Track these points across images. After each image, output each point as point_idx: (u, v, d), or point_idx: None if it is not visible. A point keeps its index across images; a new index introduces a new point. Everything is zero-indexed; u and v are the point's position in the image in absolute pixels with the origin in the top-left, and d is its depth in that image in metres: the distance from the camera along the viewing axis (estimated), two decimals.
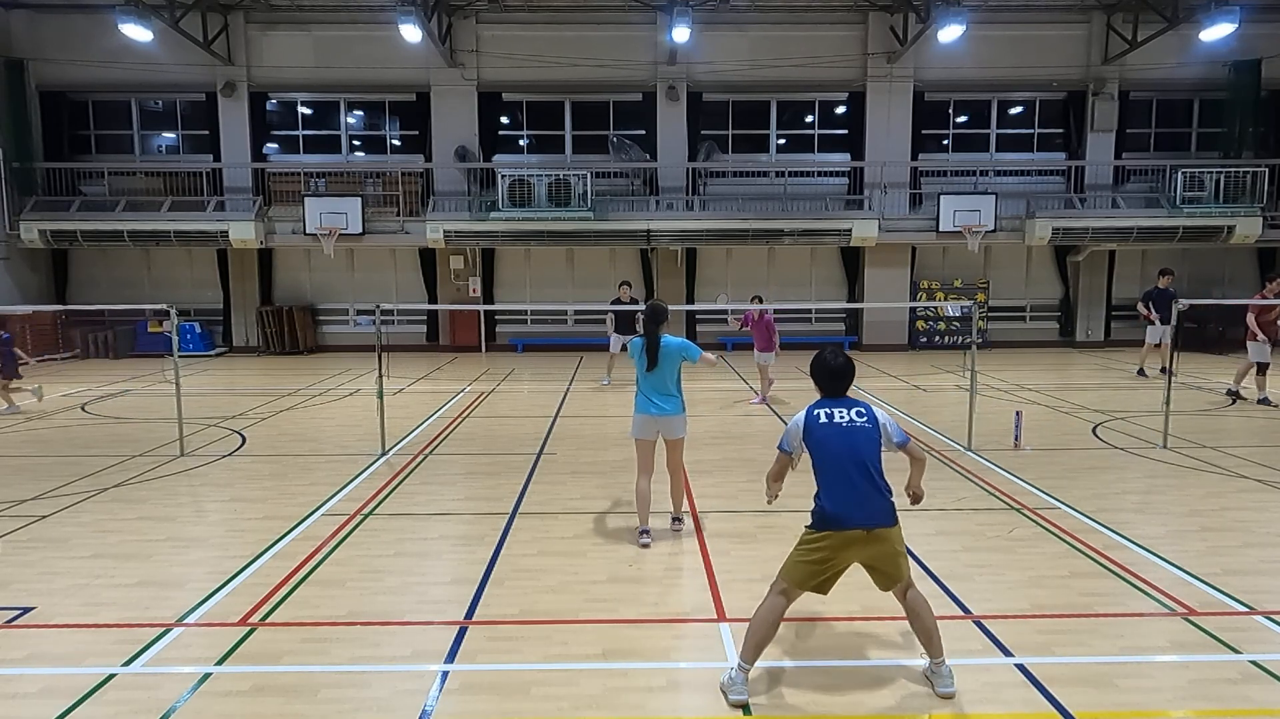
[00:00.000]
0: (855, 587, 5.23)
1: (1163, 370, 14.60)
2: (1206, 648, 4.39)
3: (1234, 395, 12.18)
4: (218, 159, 19.68)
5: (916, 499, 4.31)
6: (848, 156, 20.21)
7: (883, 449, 4.00)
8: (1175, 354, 10.22)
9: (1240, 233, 18.30)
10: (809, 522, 3.95)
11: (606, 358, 14.58)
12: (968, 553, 5.85)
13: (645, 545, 5.99)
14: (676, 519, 6.37)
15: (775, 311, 12.21)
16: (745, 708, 3.78)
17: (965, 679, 4.05)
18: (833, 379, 4.12)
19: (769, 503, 4.55)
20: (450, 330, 20.62)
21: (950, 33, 16.67)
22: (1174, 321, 9.60)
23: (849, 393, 4.15)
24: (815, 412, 4.02)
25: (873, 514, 3.85)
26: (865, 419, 3.98)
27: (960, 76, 19.38)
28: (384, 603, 5.06)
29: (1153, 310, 14.43)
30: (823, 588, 3.97)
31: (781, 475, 4.40)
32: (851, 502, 3.83)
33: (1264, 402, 11.78)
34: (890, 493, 3.92)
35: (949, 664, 3.93)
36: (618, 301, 14.10)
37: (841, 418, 3.97)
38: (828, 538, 3.85)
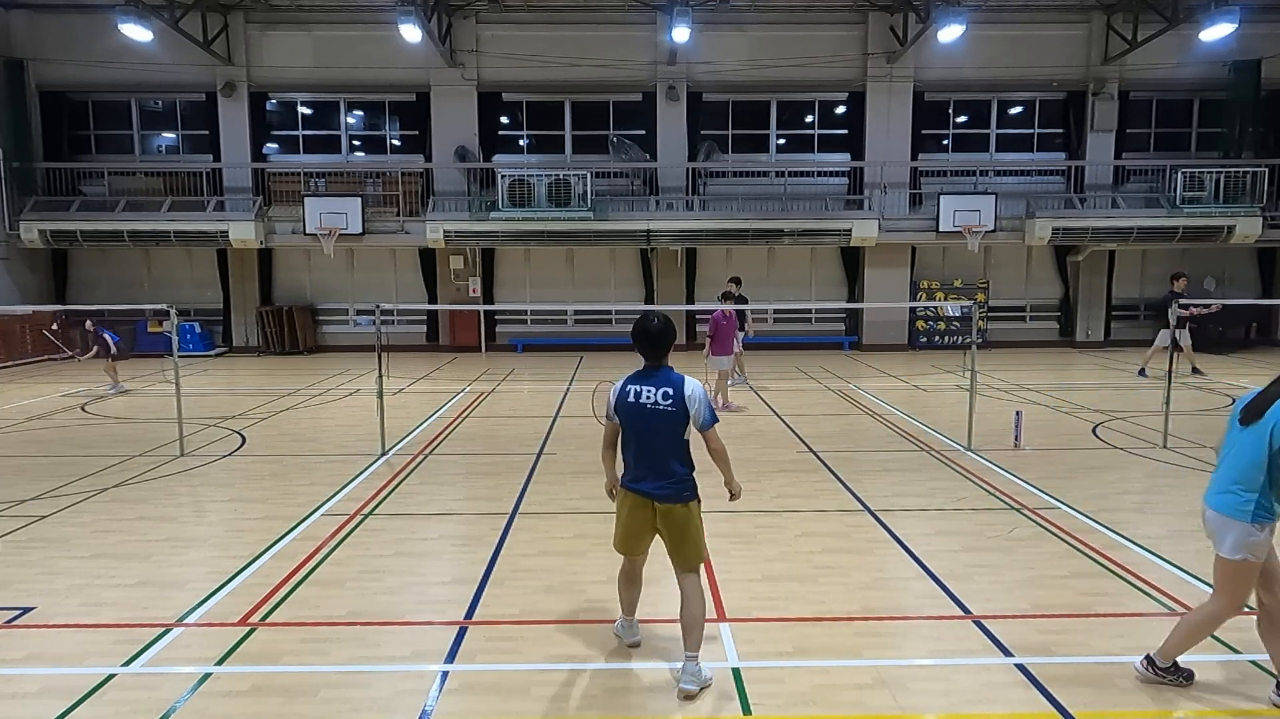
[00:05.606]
0: (855, 586, 5.26)
1: (1194, 371, 14.59)
2: (1206, 648, 4.37)
3: None
4: (218, 159, 19.69)
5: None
6: (848, 156, 20.21)
7: None
8: (1176, 355, 10.21)
9: (1240, 233, 18.30)
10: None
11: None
12: (968, 553, 5.84)
13: None
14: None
15: (776, 311, 12.07)
16: (744, 708, 3.78)
17: (965, 679, 4.06)
18: None
19: None
20: (450, 330, 20.62)
21: (950, 33, 16.68)
22: (1173, 324, 9.65)
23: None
24: None
25: None
26: None
27: (960, 76, 19.39)
28: (384, 603, 5.06)
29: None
30: None
31: None
32: None
33: None
34: None
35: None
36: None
37: None
38: None
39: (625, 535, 4.21)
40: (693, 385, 4.05)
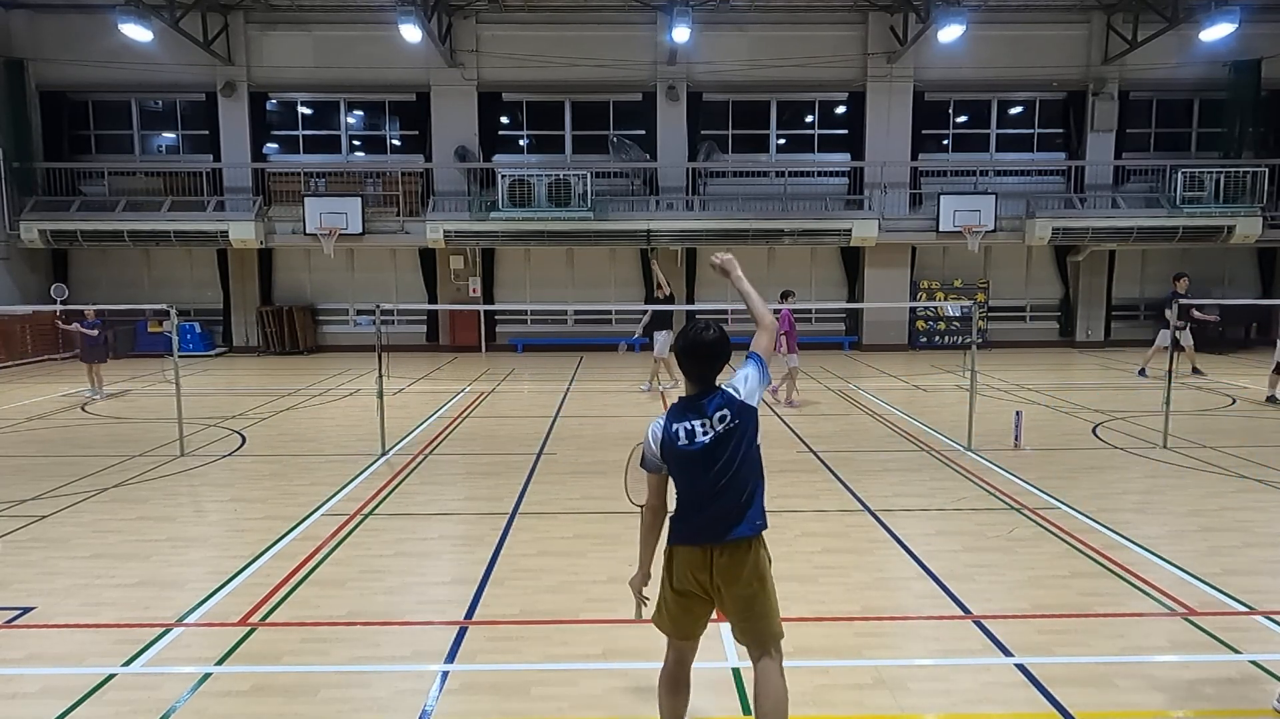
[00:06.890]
0: (855, 586, 5.26)
1: (1194, 371, 14.57)
2: (1206, 648, 4.38)
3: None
4: (218, 159, 19.68)
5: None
6: (848, 156, 20.21)
7: None
8: (1176, 355, 10.21)
9: (1240, 233, 18.30)
10: None
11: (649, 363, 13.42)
12: (968, 553, 5.85)
13: None
14: None
15: (775, 311, 12.15)
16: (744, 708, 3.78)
17: (965, 679, 4.06)
18: None
19: None
20: (450, 330, 20.62)
21: (950, 33, 16.68)
22: (1173, 324, 9.64)
23: None
24: None
25: None
26: None
27: (960, 76, 19.38)
28: (384, 603, 5.06)
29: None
30: None
31: None
32: None
33: (1272, 400, 11.74)
34: None
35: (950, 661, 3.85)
36: (669, 299, 13.13)
37: None
38: None
39: (680, 608, 3.11)
40: (738, 378, 3.13)
